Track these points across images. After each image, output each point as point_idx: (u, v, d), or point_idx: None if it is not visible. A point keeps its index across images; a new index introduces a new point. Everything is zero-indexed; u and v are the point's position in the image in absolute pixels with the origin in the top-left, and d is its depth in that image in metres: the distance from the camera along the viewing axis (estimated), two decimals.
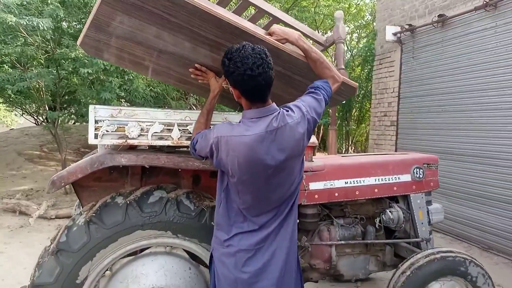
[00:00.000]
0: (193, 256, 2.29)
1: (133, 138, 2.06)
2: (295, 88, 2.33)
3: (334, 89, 2.01)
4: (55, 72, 6.78)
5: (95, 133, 2.01)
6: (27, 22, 5.54)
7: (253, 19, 2.59)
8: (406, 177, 3.08)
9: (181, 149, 2.33)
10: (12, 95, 7.90)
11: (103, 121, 2.02)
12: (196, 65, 2.12)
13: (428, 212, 3.18)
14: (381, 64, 7.63)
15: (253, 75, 1.63)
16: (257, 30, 2.00)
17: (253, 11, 2.60)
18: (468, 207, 5.52)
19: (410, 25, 6.66)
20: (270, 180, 1.75)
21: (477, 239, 5.39)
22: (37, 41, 6.34)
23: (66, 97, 8.47)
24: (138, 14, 1.68)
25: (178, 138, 2.13)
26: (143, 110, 2.08)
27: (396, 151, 7.12)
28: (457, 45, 5.73)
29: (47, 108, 7.68)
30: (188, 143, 2.08)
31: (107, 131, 2.02)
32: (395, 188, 3.03)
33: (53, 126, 7.37)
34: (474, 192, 5.42)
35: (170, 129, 2.13)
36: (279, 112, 1.75)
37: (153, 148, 2.27)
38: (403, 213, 2.97)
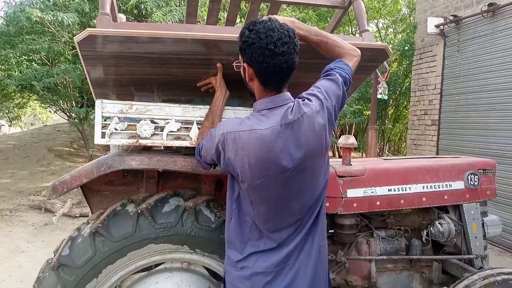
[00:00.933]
0: (213, 274, 2.00)
1: (145, 138, 1.78)
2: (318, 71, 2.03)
3: (354, 65, 1.68)
4: (81, 68, 6.68)
5: (102, 132, 1.74)
6: (52, 17, 5.42)
7: (252, 13, 2.35)
8: (458, 185, 2.70)
9: None
10: (40, 92, 7.92)
11: (112, 117, 1.75)
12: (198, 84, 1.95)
13: (483, 224, 2.79)
14: (421, 58, 7.12)
15: (275, 52, 1.37)
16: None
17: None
18: None
19: (455, 16, 6.13)
20: (289, 184, 1.45)
21: None
22: (64, 37, 6.25)
23: None
24: (123, 62, 1.71)
25: (198, 138, 1.84)
26: (157, 106, 1.80)
27: (437, 152, 6.62)
28: (510, 36, 5.18)
29: (74, 105, 7.63)
30: None
31: (116, 129, 1.75)
32: (445, 197, 2.66)
33: (80, 123, 7.30)
34: None
35: (188, 127, 1.84)
36: (294, 103, 1.47)
37: (169, 149, 1.98)
38: (454, 225, 2.59)
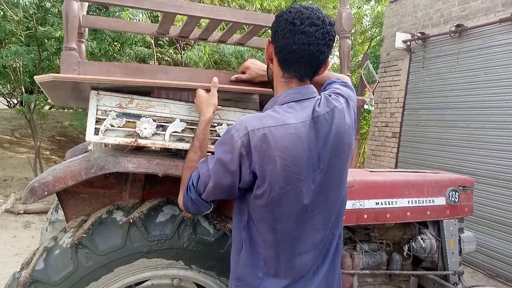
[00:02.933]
0: None
1: (145, 138, 1.56)
2: None
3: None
4: (36, 51, 6.10)
5: (95, 128, 1.50)
6: None
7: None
8: (440, 201, 2.73)
9: None
10: None
11: (108, 112, 1.51)
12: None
13: (460, 240, 2.84)
14: (386, 72, 7.29)
15: (298, 29, 1.23)
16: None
17: None
18: (477, 231, 5.20)
19: (422, 33, 6.32)
20: (316, 190, 1.26)
21: (483, 265, 5.08)
22: (17, 15, 5.67)
23: None
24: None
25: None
26: (161, 102, 1.58)
27: (396, 164, 6.80)
28: (475, 57, 5.41)
29: (24, 91, 6.97)
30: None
31: (112, 125, 1.51)
32: (428, 212, 2.67)
33: (29, 111, 6.68)
34: (485, 215, 5.11)
35: (193, 128, 1.63)
36: (321, 96, 1.32)
37: (167, 151, 1.76)
38: (435, 241, 2.61)
